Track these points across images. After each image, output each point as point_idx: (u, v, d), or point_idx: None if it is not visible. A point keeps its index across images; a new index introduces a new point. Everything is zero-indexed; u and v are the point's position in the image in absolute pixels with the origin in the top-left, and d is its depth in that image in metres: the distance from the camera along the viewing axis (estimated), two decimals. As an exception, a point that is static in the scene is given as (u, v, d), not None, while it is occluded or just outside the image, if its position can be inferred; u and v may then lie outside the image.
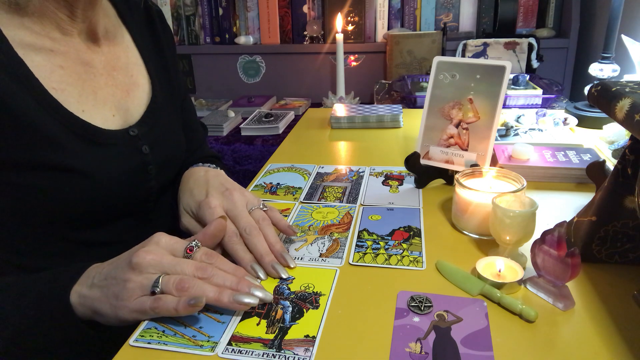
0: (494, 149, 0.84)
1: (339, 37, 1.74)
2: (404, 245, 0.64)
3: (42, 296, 0.51)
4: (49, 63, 0.60)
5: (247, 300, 0.50)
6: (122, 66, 0.70)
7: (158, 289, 0.49)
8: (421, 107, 1.02)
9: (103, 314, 0.50)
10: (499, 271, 0.56)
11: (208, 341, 0.48)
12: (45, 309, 0.50)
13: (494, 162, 0.82)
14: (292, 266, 0.60)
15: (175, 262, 0.51)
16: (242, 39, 1.97)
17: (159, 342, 0.48)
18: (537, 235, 0.55)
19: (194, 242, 0.54)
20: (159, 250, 0.52)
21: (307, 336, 0.49)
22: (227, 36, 1.98)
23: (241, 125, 1.66)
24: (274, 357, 0.46)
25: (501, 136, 0.96)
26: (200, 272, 0.51)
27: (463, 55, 1.68)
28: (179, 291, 0.49)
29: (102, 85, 0.66)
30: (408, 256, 0.61)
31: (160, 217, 0.76)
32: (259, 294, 0.52)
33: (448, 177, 0.81)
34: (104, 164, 0.62)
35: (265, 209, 0.64)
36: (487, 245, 0.63)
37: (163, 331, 0.50)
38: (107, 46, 0.68)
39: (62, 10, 0.60)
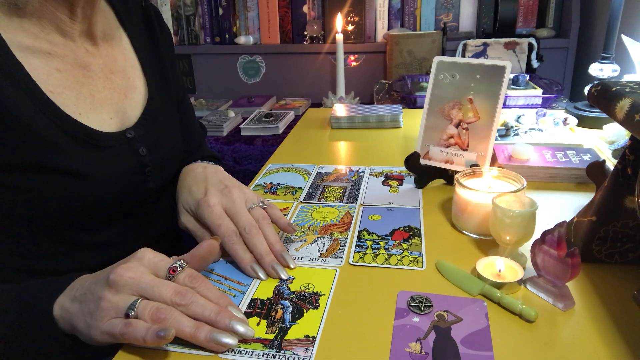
0: (494, 149, 0.84)
1: (339, 37, 1.74)
2: (404, 245, 0.64)
3: (26, 306, 0.49)
4: (47, 66, 0.59)
5: (226, 340, 0.46)
6: (120, 69, 0.70)
7: (133, 313, 0.46)
8: (421, 107, 1.02)
9: (79, 331, 0.47)
10: (499, 271, 0.56)
11: (208, 341, 0.48)
12: (29, 320, 0.48)
13: (494, 162, 0.82)
14: (292, 267, 0.60)
15: (153, 284, 0.47)
16: (242, 39, 1.96)
17: (159, 342, 0.48)
18: (537, 235, 0.55)
19: (179, 263, 0.50)
20: (140, 268, 0.49)
21: (307, 336, 0.49)
22: (227, 36, 1.98)
23: (241, 125, 1.66)
24: (274, 357, 0.46)
25: (501, 136, 0.96)
26: (178, 297, 0.47)
27: (463, 55, 1.68)
28: (154, 321, 0.45)
29: (100, 88, 0.66)
30: (408, 256, 0.61)
31: (160, 219, 0.76)
32: (240, 328, 0.48)
33: (448, 177, 0.81)
34: (102, 166, 0.62)
35: (264, 206, 0.64)
36: (487, 245, 0.63)
37: (163, 331, 0.50)
38: (105, 48, 0.68)
39: (61, 11, 0.60)
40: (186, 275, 0.50)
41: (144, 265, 0.49)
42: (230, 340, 0.47)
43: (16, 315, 0.49)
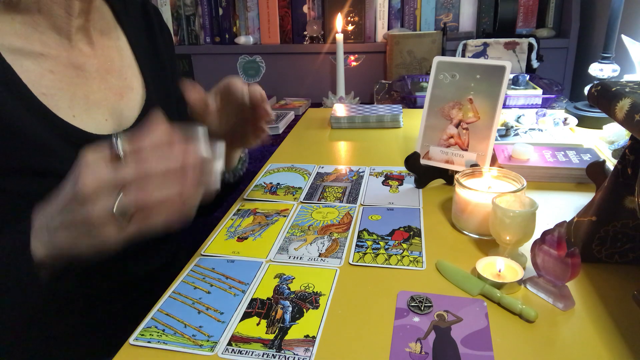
0: (494, 149, 0.84)
1: (339, 37, 1.74)
2: (404, 245, 0.64)
3: (4, 270, 0.48)
4: (39, 68, 0.59)
5: (212, 176, 0.46)
6: (116, 69, 0.69)
7: (125, 213, 0.44)
8: (421, 107, 1.02)
9: (85, 254, 0.47)
10: (499, 271, 0.56)
11: (208, 341, 0.48)
12: (12, 281, 0.48)
13: (494, 162, 0.82)
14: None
15: (114, 175, 0.44)
16: (242, 39, 1.96)
17: (158, 342, 0.48)
18: (537, 235, 0.55)
19: (113, 139, 0.46)
20: (93, 170, 0.45)
21: (307, 336, 0.49)
22: (227, 36, 1.98)
23: (241, 125, 1.65)
24: (274, 357, 0.46)
25: (501, 136, 0.96)
26: (141, 175, 0.44)
27: (463, 55, 1.68)
28: (143, 209, 0.44)
29: (95, 89, 0.65)
30: (408, 256, 0.61)
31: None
32: (204, 152, 0.46)
33: (448, 177, 0.81)
34: None
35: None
36: (487, 245, 0.63)
37: (163, 330, 0.50)
38: (101, 48, 0.68)
39: (58, 3, 0.59)
40: (125, 144, 0.46)
41: (93, 165, 0.45)
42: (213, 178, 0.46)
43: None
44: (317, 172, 0.89)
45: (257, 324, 0.51)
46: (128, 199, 0.44)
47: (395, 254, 0.62)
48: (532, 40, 1.65)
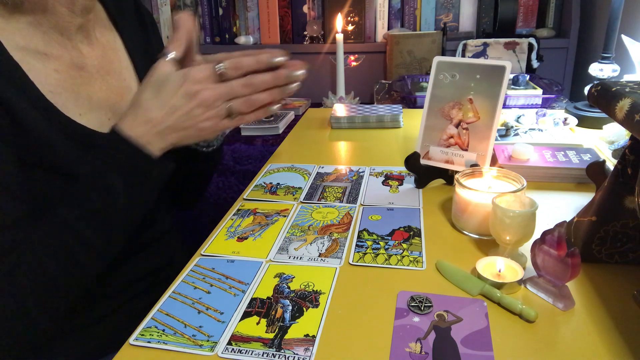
0: (494, 149, 0.84)
1: (339, 37, 1.74)
2: (404, 245, 0.64)
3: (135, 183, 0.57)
4: (45, 67, 0.59)
5: (297, 73, 0.64)
6: (115, 70, 0.70)
7: (233, 114, 0.59)
8: (421, 107, 1.02)
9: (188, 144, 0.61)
10: (499, 271, 0.56)
11: (208, 341, 0.48)
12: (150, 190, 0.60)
13: (494, 162, 0.82)
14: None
15: (226, 88, 0.57)
16: (242, 39, 1.96)
17: (158, 342, 0.48)
18: (537, 235, 0.55)
19: (216, 64, 0.57)
20: (208, 85, 0.56)
21: (307, 335, 0.49)
22: (227, 36, 1.98)
23: (241, 125, 1.65)
24: (274, 357, 0.46)
25: (501, 136, 0.96)
26: (248, 84, 0.58)
27: (463, 55, 1.68)
28: (250, 108, 0.59)
29: (97, 89, 0.65)
30: (408, 256, 0.61)
31: (160, 217, 0.76)
32: (289, 72, 0.62)
33: (448, 177, 0.81)
34: None
35: None
36: (487, 245, 0.63)
37: (163, 330, 0.50)
38: (99, 49, 0.68)
39: (61, 2, 0.59)
40: (229, 67, 0.58)
41: (205, 81, 0.57)
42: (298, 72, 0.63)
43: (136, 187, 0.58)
44: (317, 172, 0.89)
45: (257, 323, 0.51)
46: (236, 104, 0.58)
47: (395, 254, 0.62)
48: (532, 40, 1.65)
